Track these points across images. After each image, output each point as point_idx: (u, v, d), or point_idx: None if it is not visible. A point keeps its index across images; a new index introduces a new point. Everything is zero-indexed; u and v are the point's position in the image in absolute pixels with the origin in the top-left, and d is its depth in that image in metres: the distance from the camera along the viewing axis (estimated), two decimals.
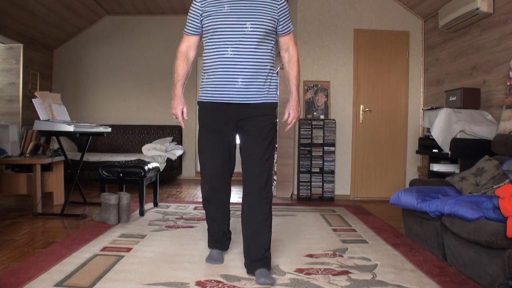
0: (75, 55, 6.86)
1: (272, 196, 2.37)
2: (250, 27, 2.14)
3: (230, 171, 2.41)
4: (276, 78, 2.33)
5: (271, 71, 2.28)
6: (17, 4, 5.10)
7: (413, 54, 5.16)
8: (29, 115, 5.64)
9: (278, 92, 2.41)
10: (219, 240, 2.53)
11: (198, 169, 7.03)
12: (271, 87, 2.29)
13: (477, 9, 3.67)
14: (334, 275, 2.31)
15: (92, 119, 6.68)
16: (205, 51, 2.26)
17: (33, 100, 3.75)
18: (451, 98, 3.93)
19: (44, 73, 6.48)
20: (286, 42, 2.36)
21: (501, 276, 2.00)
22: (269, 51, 2.25)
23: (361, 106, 5.13)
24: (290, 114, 2.35)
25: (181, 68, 2.32)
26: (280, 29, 2.30)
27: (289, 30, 2.34)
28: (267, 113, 2.27)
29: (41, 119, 3.67)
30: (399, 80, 5.17)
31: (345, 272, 2.36)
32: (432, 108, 4.05)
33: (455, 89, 3.99)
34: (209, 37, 2.22)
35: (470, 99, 3.77)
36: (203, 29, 2.26)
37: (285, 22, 2.30)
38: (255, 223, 2.26)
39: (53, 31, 6.29)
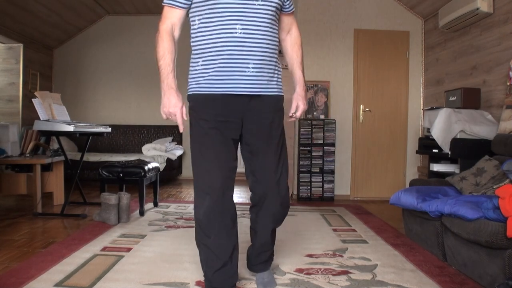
0: (75, 55, 6.86)
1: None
2: (261, 1, 1.77)
3: (233, 186, 1.88)
4: (281, 68, 1.98)
5: (277, 58, 1.92)
6: (17, 4, 5.09)
7: (413, 54, 5.16)
8: (29, 115, 5.64)
9: None
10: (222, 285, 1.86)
11: None
12: (279, 77, 1.94)
13: (477, 9, 3.67)
14: (334, 275, 2.31)
15: (92, 119, 6.67)
16: (201, 29, 1.78)
17: (33, 100, 3.75)
18: (451, 98, 3.93)
19: (44, 73, 6.48)
20: (290, 22, 2.04)
21: (501, 276, 2.00)
22: (277, 33, 1.89)
23: (361, 106, 5.13)
24: (300, 106, 2.01)
25: (169, 52, 1.77)
26: (287, 6, 1.95)
27: (293, 8, 2.02)
28: (279, 108, 1.93)
29: (41, 119, 3.67)
30: (399, 80, 5.17)
31: (345, 272, 2.36)
32: (432, 108, 4.05)
33: (455, 89, 3.99)
34: (207, 11, 1.75)
35: (470, 99, 3.77)
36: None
37: None
38: (267, 237, 2.06)
39: (53, 31, 6.29)
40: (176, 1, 1.78)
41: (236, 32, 1.73)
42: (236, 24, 1.73)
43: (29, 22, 5.62)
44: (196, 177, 1.82)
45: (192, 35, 1.83)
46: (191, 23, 1.84)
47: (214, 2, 1.73)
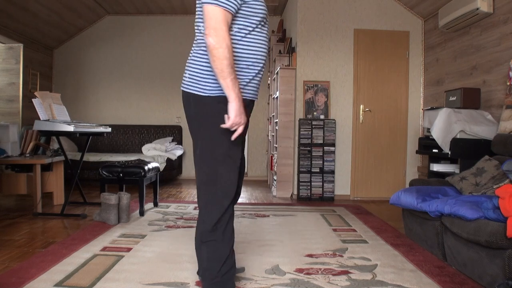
0: (75, 55, 6.86)
1: None
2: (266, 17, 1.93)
3: None
4: None
5: None
6: (17, 4, 5.10)
7: (413, 54, 5.16)
8: (29, 115, 5.64)
9: None
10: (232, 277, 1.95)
11: None
12: None
13: (477, 9, 3.67)
14: (334, 275, 2.31)
15: (92, 119, 6.68)
16: (240, 36, 1.76)
17: (33, 100, 3.75)
18: (451, 98, 3.93)
19: (44, 73, 6.48)
20: None
21: (501, 276, 2.00)
22: None
23: (361, 106, 5.13)
24: None
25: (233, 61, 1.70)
26: None
27: None
28: None
29: (41, 119, 3.68)
30: (399, 80, 5.17)
31: (345, 272, 2.36)
32: (432, 108, 4.05)
33: (455, 89, 3.99)
34: (254, 22, 1.78)
35: (470, 99, 3.77)
36: (250, 12, 1.76)
37: None
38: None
39: (53, 31, 6.29)
40: (232, 6, 1.67)
41: (267, 46, 1.90)
42: (267, 39, 1.90)
43: (29, 22, 5.62)
44: (220, 178, 1.80)
45: (235, 42, 1.78)
46: None
47: (263, 16, 1.81)
